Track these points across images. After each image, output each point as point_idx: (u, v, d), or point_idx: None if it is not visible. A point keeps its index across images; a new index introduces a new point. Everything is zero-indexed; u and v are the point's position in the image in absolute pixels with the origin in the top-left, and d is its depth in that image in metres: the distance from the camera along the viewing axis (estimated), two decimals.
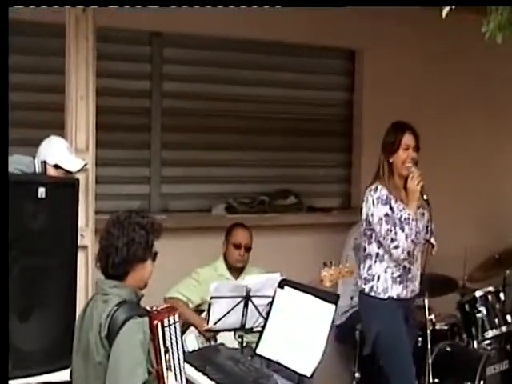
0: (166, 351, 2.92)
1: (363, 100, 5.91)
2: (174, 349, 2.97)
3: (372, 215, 4.24)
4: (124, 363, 2.77)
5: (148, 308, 2.97)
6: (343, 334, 5.18)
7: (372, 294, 4.30)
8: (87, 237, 3.95)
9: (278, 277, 4.00)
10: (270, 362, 3.79)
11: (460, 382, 4.83)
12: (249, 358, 3.90)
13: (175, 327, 2.99)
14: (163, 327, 2.93)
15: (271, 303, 3.84)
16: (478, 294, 5.14)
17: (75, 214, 3.69)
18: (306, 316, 3.65)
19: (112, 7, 3.98)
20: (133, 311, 2.85)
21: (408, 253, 4.21)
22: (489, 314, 5.11)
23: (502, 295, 5.20)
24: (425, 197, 4.23)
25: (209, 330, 4.31)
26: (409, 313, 4.36)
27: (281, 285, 3.83)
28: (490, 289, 5.18)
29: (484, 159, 6.29)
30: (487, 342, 5.10)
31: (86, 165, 3.87)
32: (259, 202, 5.61)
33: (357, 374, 5.00)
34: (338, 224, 5.68)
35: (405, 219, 4.17)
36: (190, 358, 3.60)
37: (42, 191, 3.49)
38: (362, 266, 4.37)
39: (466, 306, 5.16)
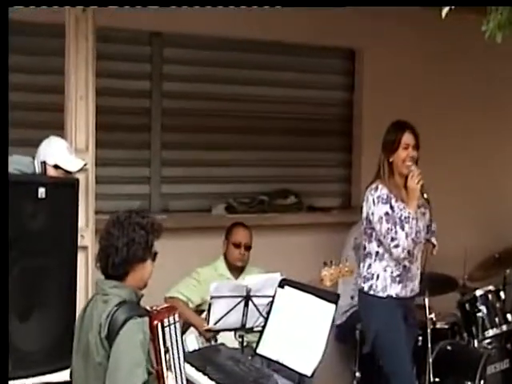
0: (166, 351, 2.91)
1: (363, 99, 5.91)
2: (174, 349, 2.97)
3: (372, 214, 4.25)
4: (124, 363, 2.77)
5: (148, 308, 2.97)
6: (344, 334, 5.18)
7: (371, 292, 4.31)
8: (87, 237, 3.94)
9: (278, 276, 4.00)
10: (270, 361, 3.79)
11: (460, 381, 4.83)
12: (249, 357, 3.90)
13: (175, 327, 2.99)
14: (163, 327, 2.92)
15: (271, 303, 3.85)
16: (479, 293, 5.14)
17: (75, 215, 3.69)
18: (307, 315, 3.65)
19: (112, 7, 3.98)
20: (133, 311, 2.85)
21: (408, 252, 4.21)
22: (489, 312, 5.11)
23: (502, 294, 5.20)
24: (425, 195, 4.24)
25: (209, 330, 4.31)
26: (408, 312, 4.36)
27: (281, 284, 3.84)
28: (491, 288, 5.18)
29: (484, 159, 6.29)
30: (488, 340, 5.10)
31: (85, 165, 3.87)
32: (259, 202, 5.61)
33: (357, 374, 5.00)
34: (338, 224, 5.68)
35: (405, 218, 4.17)
36: (191, 357, 3.59)
37: (41, 191, 3.48)
38: (361, 264, 4.38)
39: (467, 305, 5.17)
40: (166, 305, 3.15)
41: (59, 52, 4.07)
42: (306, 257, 5.13)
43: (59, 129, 4.02)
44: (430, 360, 4.52)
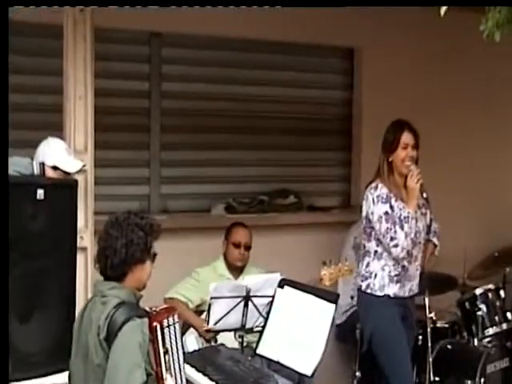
0: (166, 352, 2.91)
1: (362, 99, 5.90)
2: (174, 350, 2.96)
3: (372, 213, 4.25)
4: (122, 365, 2.76)
5: (147, 309, 2.97)
6: (344, 333, 5.18)
7: (368, 291, 4.31)
8: (86, 238, 3.94)
9: (277, 276, 4.00)
10: (270, 361, 3.79)
11: (461, 379, 4.83)
12: (249, 358, 3.90)
13: (175, 328, 2.99)
14: (162, 328, 2.92)
15: (271, 303, 3.85)
16: (478, 291, 5.14)
17: (74, 216, 3.68)
18: (307, 315, 3.65)
19: (110, 7, 3.97)
20: (132, 312, 2.85)
21: (407, 252, 4.21)
22: (489, 311, 5.11)
23: (502, 293, 5.20)
24: (424, 195, 4.24)
25: (209, 331, 4.31)
26: (407, 312, 4.35)
27: (281, 284, 3.84)
28: (490, 286, 5.18)
29: (484, 159, 6.28)
30: (487, 339, 5.10)
31: (84, 166, 3.86)
32: (259, 202, 5.61)
33: (357, 373, 4.98)
34: (338, 223, 5.67)
35: (404, 218, 4.17)
36: (191, 358, 3.60)
37: (40, 193, 3.48)
38: (360, 263, 4.38)
39: (467, 304, 5.16)
40: (165, 306, 3.15)
41: (57, 52, 4.06)
42: (306, 256, 5.13)
43: (58, 130, 4.01)
44: (431, 359, 4.52)
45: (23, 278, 3.41)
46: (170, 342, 2.94)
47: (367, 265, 4.33)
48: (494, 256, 5.58)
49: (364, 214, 4.33)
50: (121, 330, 2.79)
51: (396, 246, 4.16)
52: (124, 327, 2.79)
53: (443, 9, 2.68)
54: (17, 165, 3.59)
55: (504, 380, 4.99)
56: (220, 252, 4.87)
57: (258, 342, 3.81)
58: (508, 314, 5.14)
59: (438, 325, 5.08)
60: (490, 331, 5.09)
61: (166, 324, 2.95)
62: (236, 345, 4.24)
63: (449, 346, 4.96)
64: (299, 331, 3.64)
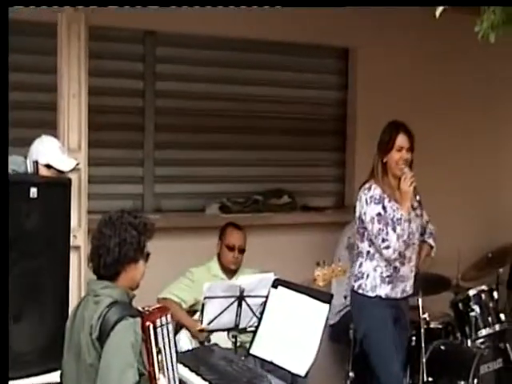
0: (159, 352, 2.90)
1: (357, 99, 5.90)
2: (167, 349, 2.96)
3: (365, 214, 4.25)
4: (115, 364, 2.75)
5: (140, 308, 2.96)
6: (337, 334, 5.18)
7: (360, 291, 4.32)
8: (80, 237, 3.93)
9: (271, 276, 3.99)
10: (263, 361, 3.79)
11: (454, 380, 4.83)
12: (242, 358, 3.89)
13: (167, 328, 2.98)
14: (155, 328, 2.91)
15: (265, 303, 3.84)
16: (472, 292, 5.14)
17: (67, 214, 3.67)
18: (300, 316, 3.65)
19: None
20: (124, 312, 2.84)
21: (399, 253, 4.21)
22: (482, 312, 5.11)
23: (495, 294, 5.20)
24: (417, 198, 4.24)
25: (202, 331, 4.30)
26: (400, 313, 4.35)
27: (274, 284, 3.83)
28: (484, 287, 5.18)
29: (481, 159, 6.29)
30: (481, 340, 5.11)
31: (78, 164, 3.85)
32: (253, 202, 5.60)
33: (351, 374, 4.99)
34: (332, 223, 5.67)
35: (397, 220, 4.16)
36: (184, 358, 3.59)
37: (33, 191, 3.47)
38: (354, 263, 4.38)
39: (460, 305, 5.17)
40: (158, 305, 3.14)
41: (51, 51, 4.05)
42: (300, 256, 5.13)
43: (52, 128, 4.00)
44: (424, 360, 4.53)
45: (16, 277, 3.39)
46: (163, 342, 2.94)
47: (360, 265, 4.34)
48: (488, 257, 5.59)
49: (357, 214, 4.33)
50: (113, 329, 2.78)
51: (387, 247, 4.16)
52: (117, 327, 2.78)
53: (439, 10, 2.68)
54: (11, 163, 3.56)
55: (497, 381, 4.99)
56: (214, 252, 4.86)
57: (251, 342, 3.80)
58: (501, 315, 5.15)
59: (432, 325, 5.08)
60: (484, 332, 5.09)
61: (158, 324, 2.94)
62: (229, 345, 4.24)
63: (442, 347, 4.96)
64: (293, 331, 3.63)
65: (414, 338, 4.83)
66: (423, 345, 4.50)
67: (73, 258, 3.77)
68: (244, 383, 3.43)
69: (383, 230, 4.17)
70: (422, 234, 4.40)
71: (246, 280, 4.25)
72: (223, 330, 4.28)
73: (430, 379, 4.72)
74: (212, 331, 4.30)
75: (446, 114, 6.00)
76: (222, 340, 4.24)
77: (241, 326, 4.24)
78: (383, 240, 4.16)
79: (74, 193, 3.77)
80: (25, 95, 4.81)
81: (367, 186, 4.29)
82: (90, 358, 2.84)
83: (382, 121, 4.39)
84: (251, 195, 5.62)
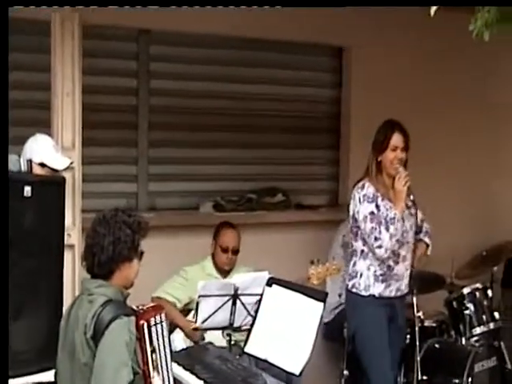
0: (153, 351, 2.90)
1: (351, 97, 5.89)
2: (161, 348, 2.95)
3: (358, 212, 4.25)
4: (109, 363, 2.75)
5: (134, 307, 2.95)
6: (331, 332, 5.17)
7: (354, 290, 4.32)
8: (74, 236, 3.93)
9: (266, 275, 3.99)
10: (258, 360, 3.78)
11: (448, 378, 4.83)
12: (237, 356, 3.90)
13: (162, 326, 2.97)
14: (149, 327, 2.91)
15: (259, 301, 3.84)
16: (466, 290, 5.14)
17: (62, 213, 3.67)
18: (295, 314, 3.65)
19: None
20: (119, 310, 2.83)
21: (394, 252, 4.21)
22: (476, 310, 5.11)
23: (489, 292, 5.20)
24: (411, 197, 4.23)
25: (196, 329, 4.29)
26: (395, 312, 4.34)
27: (269, 283, 3.83)
28: (478, 286, 5.18)
29: (477, 158, 6.29)
30: (475, 338, 5.10)
31: (72, 163, 3.85)
32: (247, 200, 5.60)
33: (345, 372, 4.98)
34: (326, 221, 5.67)
35: (390, 219, 4.16)
36: (178, 357, 3.59)
37: (27, 190, 3.46)
38: (349, 262, 4.38)
39: (454, 303, 5.16)
40: (152, 304, 3.13)
41: (45, 49, 4.04)
42: (294, 255, 5.12)
43: (45, 126, 3.99)
44: (418, 358, 4.52)
45: (12, 276, 3.38)
46: (158, 341, 2.93)
47: (354, 264, 4.34)
48: (482, 255, 5.58)
49: (351, 213, 4.33)
50: (108, 328, 2.78)
51: (380, 246, 4.16)
52: (111, 325, 2.78)
53: (433, 9, 2.68)
54: None
55: (491, 379, 5.00)
56: (208, 250, 4.85)
57: (246, 341, 3.80)
58: (495, 314, 5.15)
59: (426, 324, 5.08)
60: (478, 330, 5.09)
61: (153, 322, 2.93)
62: (224, 343, 4.23)
63: (436, 345, 4.96)
64: (287, 330, 3.63)
65: (408, 336, 4.83)
66: (417, 343, 4.50)
67: (67, 256, 3.77)
68: (239, 382, 3.43)
69: (376, 229, 4.16)
70: (418, 233, 4.40)
71: (240, 278, 4.24)
72: (218, 329, 4.28)
73: (425, 377, 4.71)
74: (206, 330, 4.30)
75: (442, 113, 6.00)
76: (216, 339, 4.23)
77: (235, 325, 4.23)
78: (376, 239, 4.16)
79: (68, 191, 3.77)
80: (20, 93, 4.79)
81: (361, 184, 4.29)
82: (85, 356, 2.83)
83: (376, 119, 4.39)
84: (245, 193, 5.62)
